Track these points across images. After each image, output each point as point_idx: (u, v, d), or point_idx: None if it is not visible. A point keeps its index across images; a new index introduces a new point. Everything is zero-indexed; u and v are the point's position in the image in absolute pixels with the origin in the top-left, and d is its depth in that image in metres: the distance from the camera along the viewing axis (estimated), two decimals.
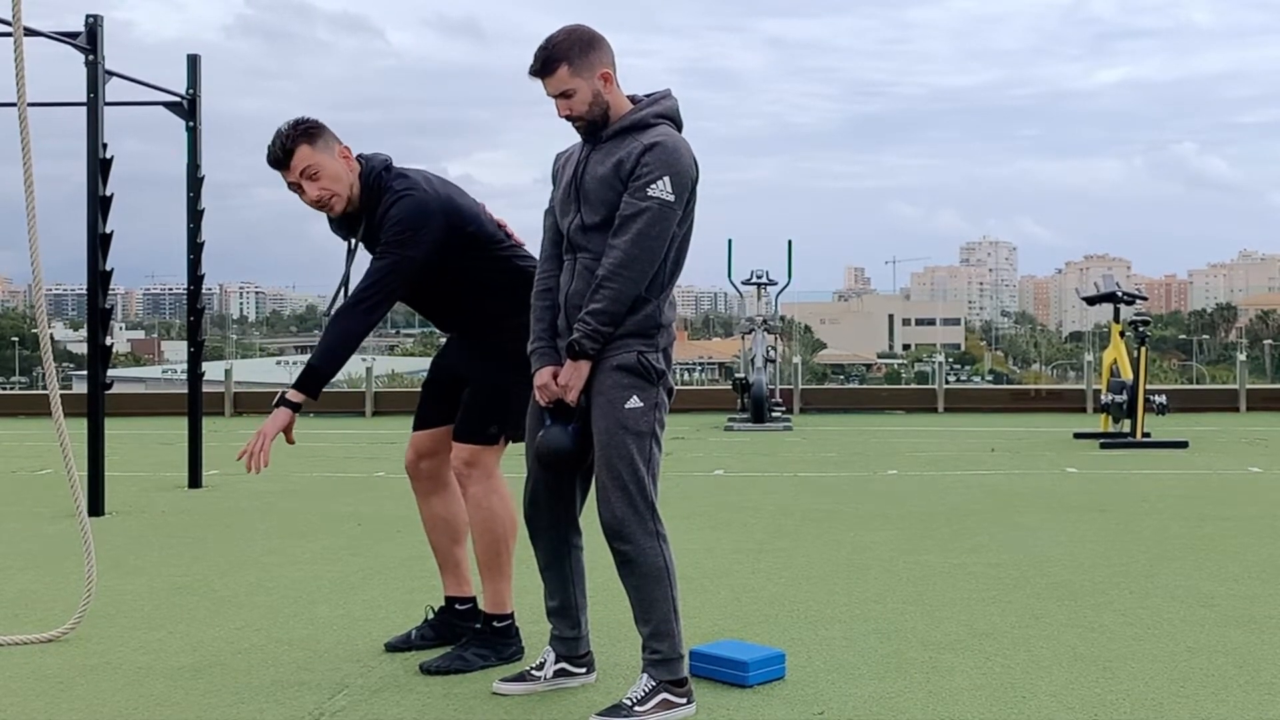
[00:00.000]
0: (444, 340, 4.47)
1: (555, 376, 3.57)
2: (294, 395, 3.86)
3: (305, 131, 3.97)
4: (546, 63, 3.54)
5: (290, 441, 3.90)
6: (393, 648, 4.29)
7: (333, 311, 4.00)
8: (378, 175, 4.02)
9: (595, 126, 3.57)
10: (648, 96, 3.65)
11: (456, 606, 4.33)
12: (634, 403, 3.51)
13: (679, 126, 3.63)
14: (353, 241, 4.11)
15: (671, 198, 3.45)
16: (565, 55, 3.52)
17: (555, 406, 3.59)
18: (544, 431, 3.61)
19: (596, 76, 3.54)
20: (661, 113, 3.59)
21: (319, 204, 4.01)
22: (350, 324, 3.90)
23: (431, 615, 4.36)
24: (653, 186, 3.44)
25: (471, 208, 4.10)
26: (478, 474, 4.06)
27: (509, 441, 4.10)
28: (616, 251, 3.45)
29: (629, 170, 3.47)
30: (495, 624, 4.11)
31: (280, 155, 3.97)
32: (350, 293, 3.96)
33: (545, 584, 3.84)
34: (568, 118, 3.59)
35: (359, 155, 4.06)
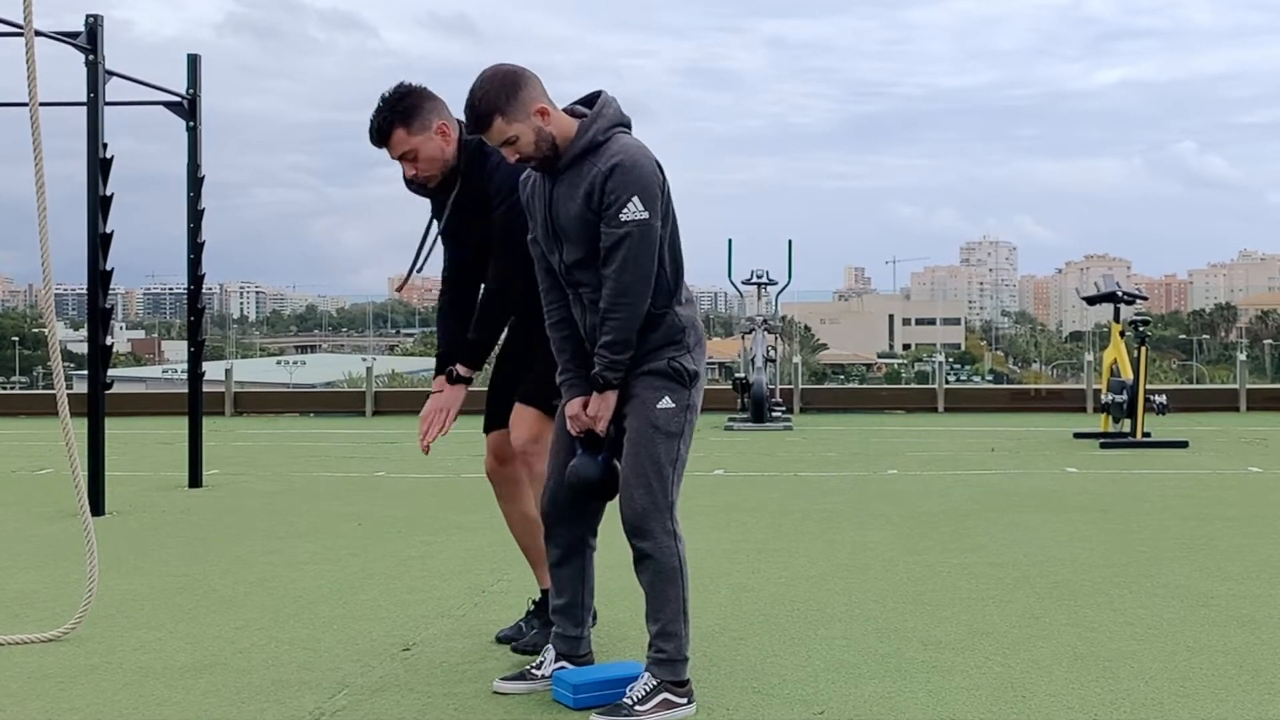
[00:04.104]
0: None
1: (585, 406, 3.59)
2: (464, 370, 4.05)
3: (403, 113, 3.95)
4: (479, 121, 3.49)
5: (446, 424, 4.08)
6: (504, 639, 4.32)
7: (419, 270, 4.14)
8: (480, 143, 3.96)
9: (549, 160, 3.53)
10: (586, 107, 3.59)
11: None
12: (665, 403, 3.55)
13: (628, 126, 3.60)
14: (445, 213, 4.08)
15: (646, 214, 3.43)
16: (495, 106, 3.46)
17: (586, 436, 3.63)
18: (574, 461, 3.65)
19: (533, 114, 3.48)
20: (609, 124, 3.54)
21: (415, 180, 4.06)
22: (501, 315, 4.07)
23: (532, 607, 4.35)
24: (625, 211, 3.42)
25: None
26: (540, 450, 4.01)
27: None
28: (610, 282, 3.46)
29: (598, 201, 3.46)
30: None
31: (377, 136, 3.98)
32: (491, 275, 4.04)
33: (554, 581, 3.84)
34: (518, 161, 3.55)
35: (458, 123, 4.03)
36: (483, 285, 4.13)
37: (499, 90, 3.46)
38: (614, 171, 3.43)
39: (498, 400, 4.26)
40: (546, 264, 3.68)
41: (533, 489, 4.10)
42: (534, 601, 4.36)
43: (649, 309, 3.52)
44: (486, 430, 4.29)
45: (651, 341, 3.55)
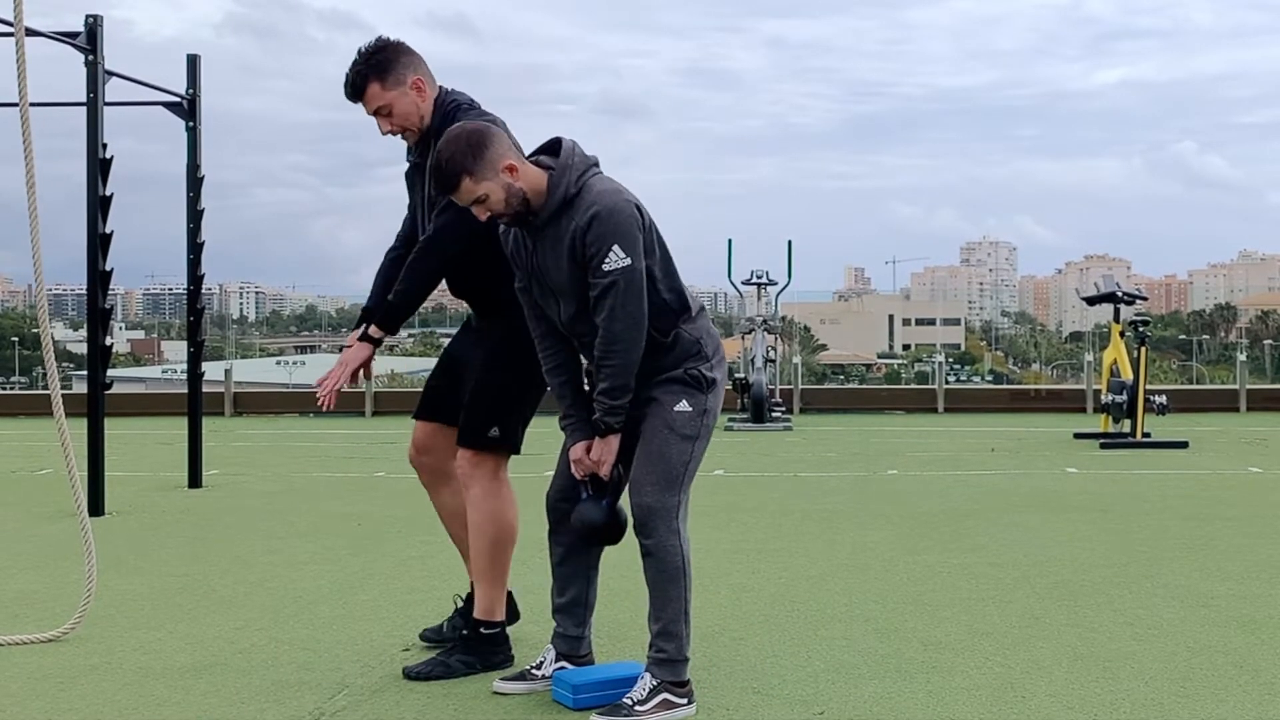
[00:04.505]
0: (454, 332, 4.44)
1: (589, 450, 3.60)
2: (375, 331, 3.94)
3: (376, 65, 3.91)
4: (447, 182, 3.46)
5: (368, 377, 3.96)
6: (427, 639, 4.28)
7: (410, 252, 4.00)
8: (455, 106, 3.95)
9: (524, 215, 3.51)
10: (548, 155, 3.55)
11: None
12: (683, 406, 3.58)
13: (597, 165, 3.57)
14: (426, 174, 3.95)
15: (628, 260, 3.44)
16: (462, 167, 3.43)
17: (590, 479, 3.65)
18: (579, 506, 3.67)
19: (501, 171, 3.45)
20: (579, 173, 3.51)
21: (393, 134, 4.02)
22: (431, 262, 3.91)
23: (460, 604, 4.31)
24: (607, 261, 3.43)
25: None
26: (481, 475, 3.98)
27: (513, 451, 4.04)
28: (602, 330, 3.48)
29: (581, 254, 3.46)
30: (483, 630, 4.03)
31: (351, 91, 3.95)
32: (424, 236, 3.94)
33: (556, 579, 3.84)
34: (490, 219, 3.53)
35: (442, 88, 4.00)
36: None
37: (465, 150, 3.43)
38: (592, 224, 3.43)
39: (433, 397, 4.22)
40: (538, 311, 3.68)
41: (469, 513, 4.03)
42: (461, 598, 4.32)
43: (658, 335, 3.55)
44: (416, 416, 4.24)
45: (668, 361, 3.58)
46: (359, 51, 3.96)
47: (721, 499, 8.04)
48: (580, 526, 3.66)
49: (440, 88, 4.03)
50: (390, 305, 3.95)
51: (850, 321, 78.79)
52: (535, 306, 3.68)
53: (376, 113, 3.96)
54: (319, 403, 3.87)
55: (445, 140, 3.49)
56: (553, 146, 3.59)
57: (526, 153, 3.62)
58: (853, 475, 9.45)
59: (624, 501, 3.67)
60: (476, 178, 3.43)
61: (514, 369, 3.94)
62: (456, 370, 4.17)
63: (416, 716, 3.60)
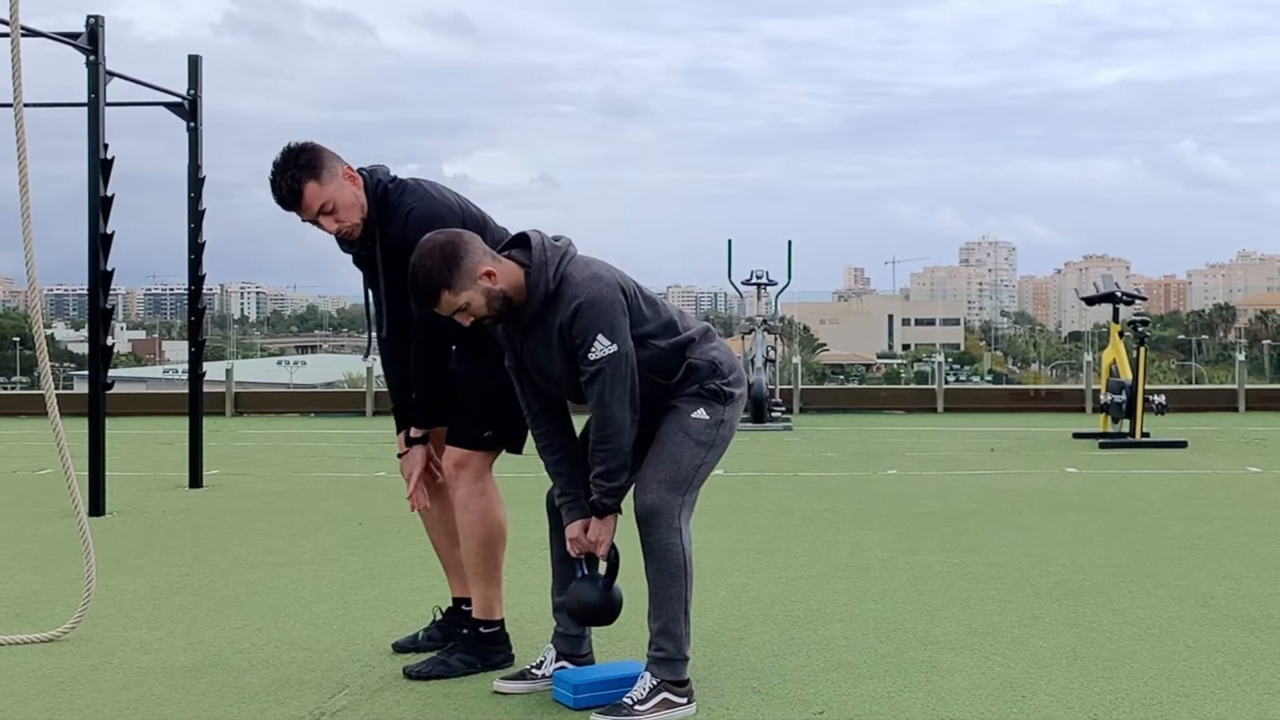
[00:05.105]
0: None
1: (586, 530, 3.62)
2: (416, 431, 4.02)
3: (306, 165, 3.80)
4: (426, 298, 3.44)
5: (432, 475, 4.07)
6: (400, 648, 4.27)
7: (381, 337, 4.05)
8: (384, 189, 3.91)
9: (508, 314, 3.51)
10: (518, 247, 3.54)
11: (464, 607, 4.25)
12: (700, 414, 3.62)
13: (572, 246, 3.57)
14: (377, 263, 3.96)
15: (614, 347, 3.45)
16: (439, 282, 3.40)
17: (586, 558, 3.67)
18: (574, 585, 3.69)
19: (478, 278, 3.43)
20: (555, 266, 3.49)
21: (339, 234, 3.93)
22: (436, 358, 3.93)
23: (439, 616, 4.32)
24: (593, 351, 3.45)
25: (480, 216, 4.01)
26: (466, 476, 3.97)
27: (504, 450, 4.05)
28: (594, 415, 3.51)
29: (570, 344, 3.48)
30: (483, 630, 4.04)
31: (289, 197, 3.82)
32: (418, 338, 3.90)
33: (556, 579, 3.85)
34: (474, 324, 3.52)
35: (359, 170, 3.94)
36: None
37: (439, 264, 3.40)
38: (576, 317, 3.44)
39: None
40: (530, 388, 3.68)
41: (456, 515, 4.04)
42: (441, 610, 4.33)
43: (664, 380, 3.59)
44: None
45: (687, 386, 3.62)
46: (276, 163, 3.82)
47: (721, 499, 8.04)
48: (575, 606, 3.69)
49: (359, 171, 3.94)
50: (419, 404, 4.00)
51: (850, 321, 78.77)
52: (527, 384, 3.69)
53: (320, 212, 3.83)
54: (412, 510, 4.09)
55: (419, 255, 3.43)
56: (521, 241, 3.57)
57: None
58: (852, 475, 9.46)
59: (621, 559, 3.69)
60: (455, 290, 3.41)
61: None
62: (444, 368, 4.18)
63: (416, 716, 3.60)
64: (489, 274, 3.44)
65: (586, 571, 3.68)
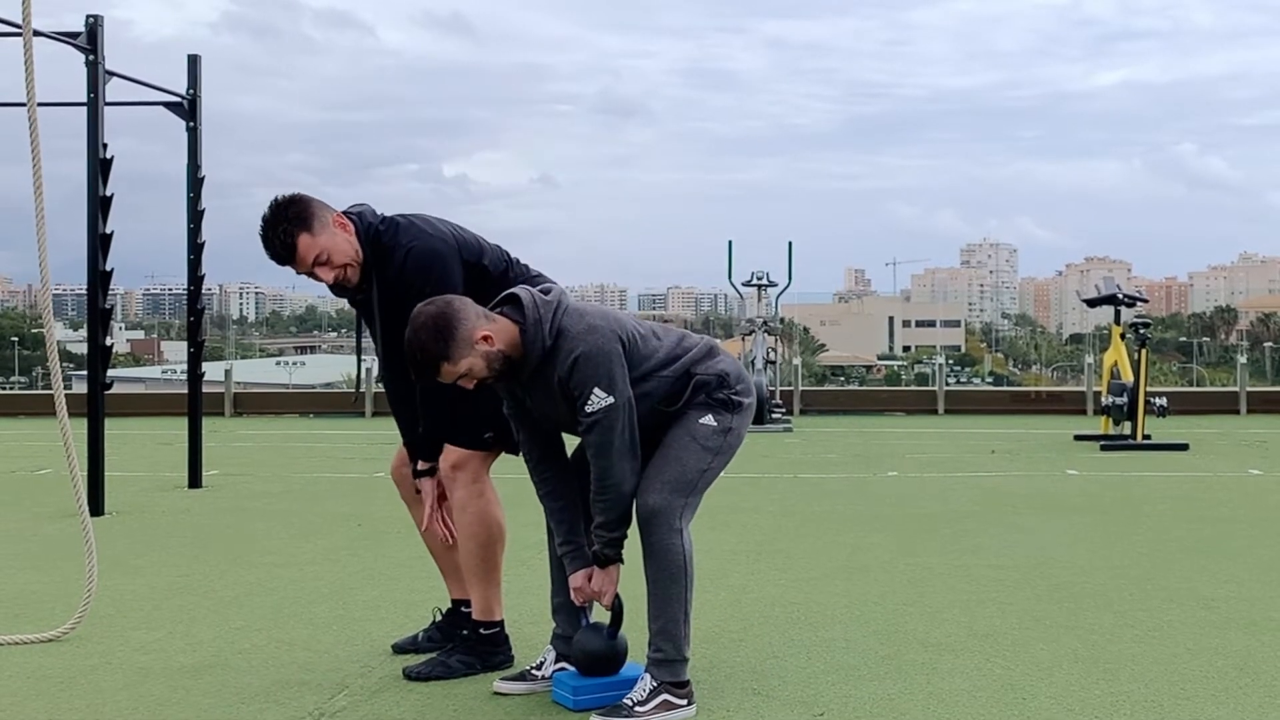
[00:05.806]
0: None
1: (590, 579, 3.63)
2: (424, 465, 3.99)
3: (297, 218, 3.74)
4: (425, 372, 3.44)
5: (442, 502, 4.03)
6: (400, 649, 4.27)
7: (386, 372, 4.04)
8: (376, 232, 3.87)
9: (508, 372, 3.51)
10: (510, 306, 3.52)
11: (463, 609, 4.24)
12: (708, 420, 3.62)
13: (563, 295, 3.56)
14: (374, 304, 3.93)
15: (610, 398, 3.45)
16: (438, 355, 3.39)
17: (590, 608, 3.69)
18: (578, 635, 3.71)
19: (475, 344, 3.42)
20: (550, 321, 3.48)
21: (337, 282, 3.89)
22: (441, 404, 3.89)
23: (439, 617, 4.32)
24: (589, 403, 3.45)
25: (475, 240, 3.99)
26: (463, 477, 3.95)
27: (504, 451, 4.03)
28: (592, 466, 3.51)
29: (570, 395, 3.48)
30: (482, 631, 4.03)
31: (283, 252, 3.77)
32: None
33: (554, 580, 3.84)
34: (477, 386, 3.51)
35: (345, 213, 3.89)
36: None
37: (434, 338, 3.38)
38: (573, 370, 3.45)
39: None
40: (531, 435, 3.68)
41: (455, 516, 4.03)
42: (440, 611, 4.33)
43: (670, 409, 3.60)
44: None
45: (696, 399, 3.63)
46: (265, 218, 3.76)
47: (721, 500, 8.03)
48: (580, 656, 3.69)
49: (345, 214, 3.90)
50: (428, 439, 3.97)
51: (850, 323, 78.87)
52: (526, 430, 3.68)
53: (315, 263, 3.78)
54: (441, 539, 4.06)
55: (412, 330, 3.40)
56: (512, 299, 3.55)
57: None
58: (853, 477, 9.45)
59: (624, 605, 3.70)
60: (454, 360, 3.40)
61: None
62: (446, 390, 4.18)
63: (416, 716, 3.60)
64: (485, 337, 3.43)
65: (590, 621, 3.71)
